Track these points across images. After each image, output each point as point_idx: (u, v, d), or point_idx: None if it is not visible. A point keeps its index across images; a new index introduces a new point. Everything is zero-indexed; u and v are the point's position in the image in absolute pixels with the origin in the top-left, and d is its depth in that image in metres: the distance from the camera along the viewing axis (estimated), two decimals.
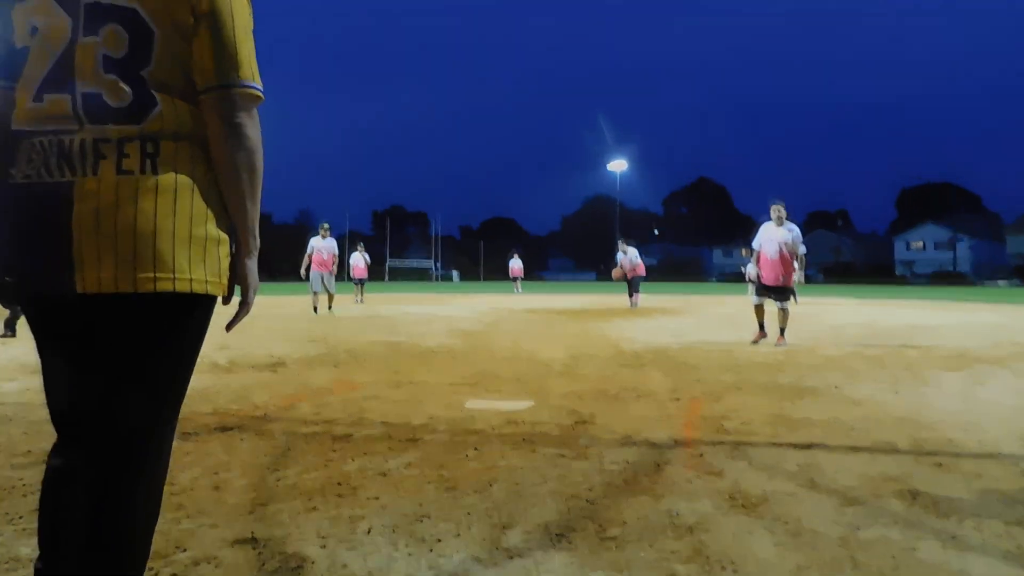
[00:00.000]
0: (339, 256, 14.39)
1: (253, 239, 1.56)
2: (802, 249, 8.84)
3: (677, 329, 10.52)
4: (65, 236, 1.33)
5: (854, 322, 13.13)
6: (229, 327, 1.59)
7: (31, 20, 1.41)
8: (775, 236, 8.77)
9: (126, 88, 1.39)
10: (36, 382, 2.67)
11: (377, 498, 2.71)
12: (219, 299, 1.54)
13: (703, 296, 26.74)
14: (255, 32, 1.56)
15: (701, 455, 3.42)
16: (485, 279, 73.13)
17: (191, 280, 1.41)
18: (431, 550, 2.21)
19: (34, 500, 1.94)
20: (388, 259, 68.26)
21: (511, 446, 3.57)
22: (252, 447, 3.51)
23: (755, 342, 8.75)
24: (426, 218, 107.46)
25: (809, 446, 3.61)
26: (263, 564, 2.10)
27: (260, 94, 1.51)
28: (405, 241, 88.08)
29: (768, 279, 8.83)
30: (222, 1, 1.46)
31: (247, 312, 1.62)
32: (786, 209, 8.88)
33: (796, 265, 8.91)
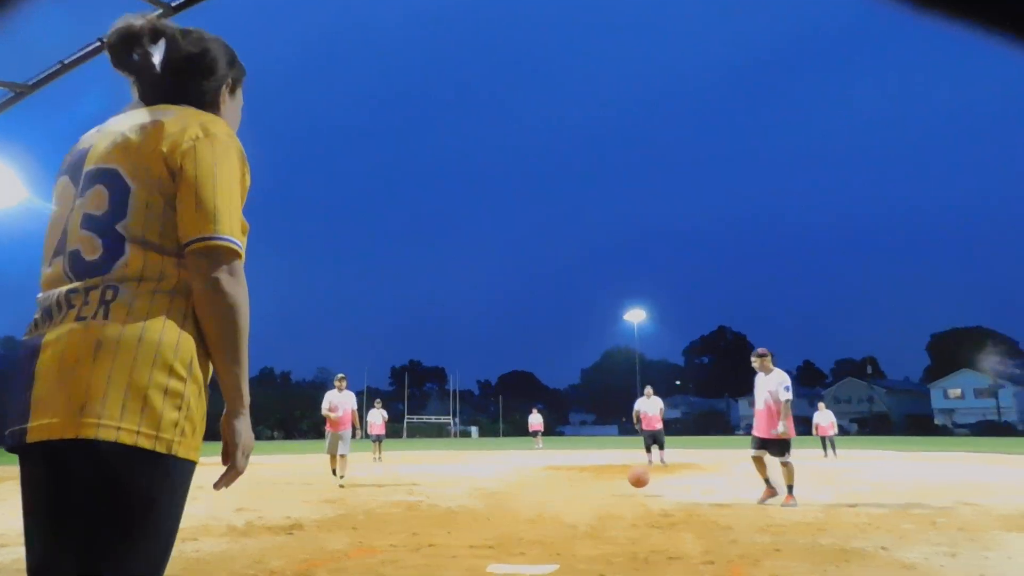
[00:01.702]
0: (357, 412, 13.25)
1: (239, 398, 1.52)
2: (784, 396, 8.44)
3: (707, 486, 10.21)
4: (29, 386, 1.35)
5: (897, 477, 12.71)
6: (216, 485, 1.55)
7: (55, 210, 1.55)
8: (763, 385, 8.65)
9: (99, 241, 1.44)
10: None
11: None
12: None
13: (730, 450, 26.09)
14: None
15: None
16: (504, 435, 72.17)
17: (119, 429, 1.30)
18: None
19: None
20: (406, 415, 67.90)
21: None
22: None
23: (762, 501, 8.39)
24: (444, 373, 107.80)
25: None
26: None
27: (237, 249, 1.49)
28: (423, 397, 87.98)
29: (759, 431, 8.66)
30: (201, 157, 1.50)
31: (236, 473, 1.55)
32: (771, 357, 8.77)
33: (780, 414, 8.50)
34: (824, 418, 21.67)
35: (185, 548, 5.36)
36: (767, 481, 8.52)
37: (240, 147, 1.60)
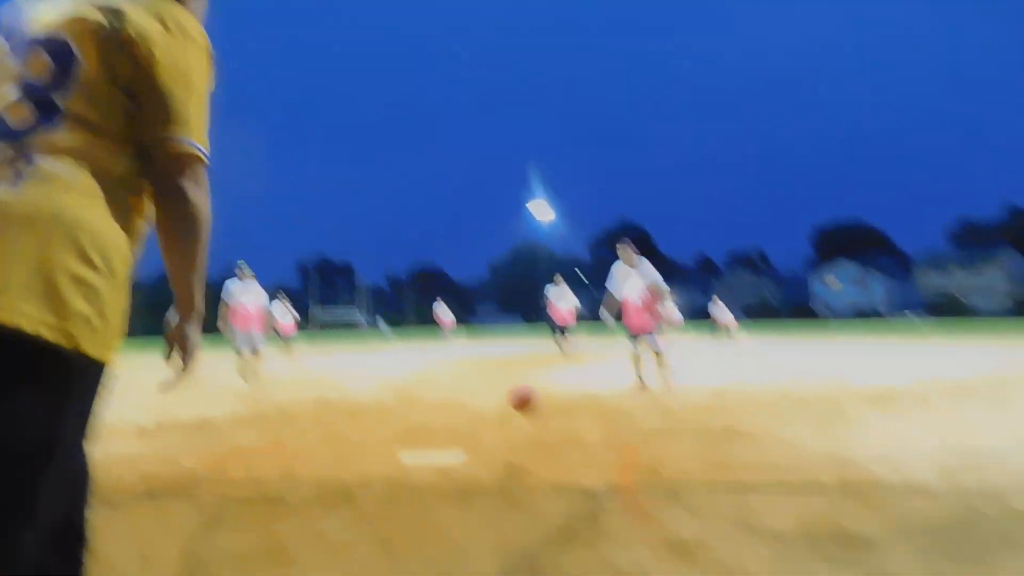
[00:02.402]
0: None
1: (191, 305, 1.52)
2: (661, 283, 8.48)
3: (607, 375, 10.63)
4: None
5: (778, 361, 13.54)
6: (163, 388, 1.54)
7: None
8: (634, 278, 8.57)
9: (31, 109, 1.31)
10: None
11: (313, 560, 2.65)
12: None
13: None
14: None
15: (636, 501, 3.47)
16: (414, 329, 72.63)
17: (21, 313, 1.14)
18: None
19: None
20: (315, 312, 67.18)
21: (446, 500, 3.55)
22: (181, 513, 3.39)
23: (639, 388, 8.54)
24: (352, 268, 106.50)
25: (742, 488, 3.69)
26: None
27: (203, 157, 1.42)
28: (332, 292, 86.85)
29: (636, 326, 8.66)
30: (174, 54, 1.39)
31: (185, 376, 1.56)
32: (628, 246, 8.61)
33: (662, 304, 8.56)
34: (717, 309, 22.75)
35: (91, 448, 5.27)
36: (640, 377, 8.69)
37: (211, 48, 1.50)
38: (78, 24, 1.36)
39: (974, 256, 78.47)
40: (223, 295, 10.33)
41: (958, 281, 76.81)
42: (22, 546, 1.15)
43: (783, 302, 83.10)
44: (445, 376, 11.82)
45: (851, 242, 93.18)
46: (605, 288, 8.83)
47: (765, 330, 35.62)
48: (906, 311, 65.67)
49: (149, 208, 1.44)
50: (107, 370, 1.33)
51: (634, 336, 8.69)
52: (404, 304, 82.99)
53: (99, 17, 1.36)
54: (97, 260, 1.26)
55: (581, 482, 3.89)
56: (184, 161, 1.39)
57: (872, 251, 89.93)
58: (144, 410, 7.55)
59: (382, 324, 75.59)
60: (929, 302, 73.82)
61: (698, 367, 12.66)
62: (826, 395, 7.79)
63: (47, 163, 1.26)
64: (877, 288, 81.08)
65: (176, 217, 1.39)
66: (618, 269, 8.82)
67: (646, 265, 8.58)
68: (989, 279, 74.94)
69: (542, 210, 64.65)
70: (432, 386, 10.00)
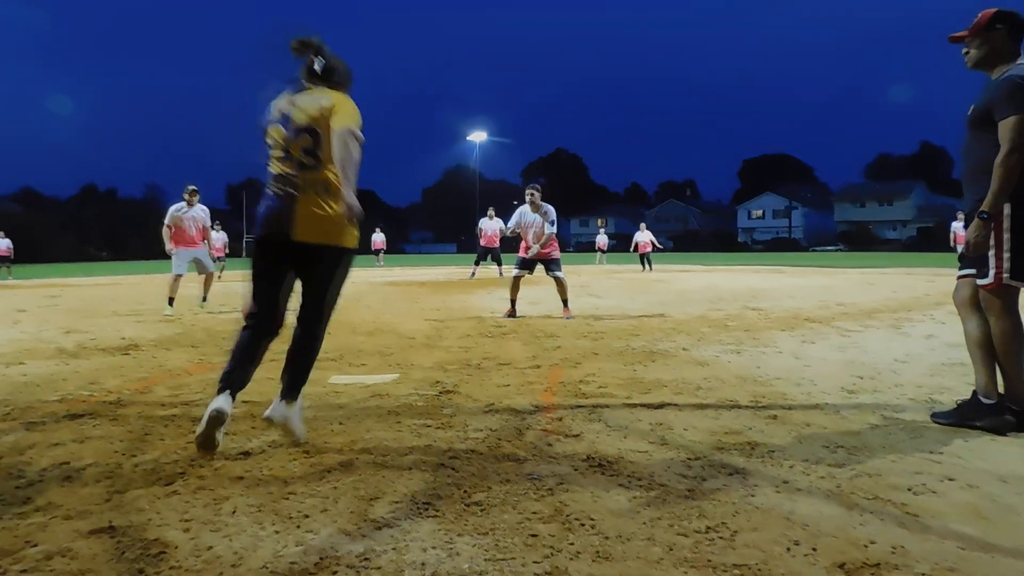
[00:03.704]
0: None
1: (350, 195, 2.97)
2: (549, 230, 8.57)
3: (535, 299, 10.75)
4: (292, 216, 3.06)
5: (700, 288, 13.91)
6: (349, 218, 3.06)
7: (273, 135, 3.19)
8: (532, 220, 8.74)
9: (310, 158, 3.10)
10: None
11: (240, 478, 2.65)
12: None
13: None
14: None
15: (560, 419, 3.57)
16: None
17: (344, 240, 3.18)
18: (298, 526, 2.20)
19: None
20: (246, 235, 65.41)
21: (376, 419, 3.58)
22: (105, 434, 3.33)
23: (507, 316, 8.64)
24: None
25: (660, 406, 3.83)
26: (122, 553, 2.03)
27: (357, 131, 3.06)
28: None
29: (526, 258, 8.81)
30: (346, 114, 3.08)
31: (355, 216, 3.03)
32: (540, 193, 8.78)
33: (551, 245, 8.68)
34: (643, 237, 23.05)
35: (10, 372, 5.10)
36: (513, 302, 8.74)
37: (356, 106, 3.18)
38: (319, 119, 3.09)
39: (888, 189, 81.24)
40: (166, 218, 9.77)
41: (872, 213, 79.64)
42: (323, 327, 3.35)
43: (710, 232, 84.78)
44: (376, 299, 11.77)
45: (777, 174, 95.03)
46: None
47: (690, 259, 36.40)
48: (823, 244, 67.94)
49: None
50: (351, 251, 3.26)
51: (525, 262, 8.81)
52: None
53: (319, 110, 3.09)
54: (338, 209, 3.07)
55: (508, 401, 3.97)
56: (349, 131, 3.04)
57: (796, 183, 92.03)
58: (66, 332, 7.32)
59: None
60: (844, 232, 76.53)
61: (621, 293, 12.91)
62: (742, 318, 8.07)
63: (322, 180, 3.10)
64: (798, 219, 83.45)
65: (346, 156, 3.01)
66: (522, 211, 8.85)
67: (550, 213, 8.64)
68: (899, 211, 77.90)
69: (478, 137, 63.80)
70: (363, 309, 9.94)
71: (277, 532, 2.16)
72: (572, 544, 2.07)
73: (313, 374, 4.85)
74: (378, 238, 31.05)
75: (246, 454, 2.98)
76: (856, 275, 18.50)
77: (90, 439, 3.24)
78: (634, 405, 3.88)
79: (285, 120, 3.13)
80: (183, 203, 9.82)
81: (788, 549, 2.03)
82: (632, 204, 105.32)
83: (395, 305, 10.66)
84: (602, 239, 29.84)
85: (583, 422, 3.50)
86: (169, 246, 9.72)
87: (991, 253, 3.33)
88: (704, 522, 2.23)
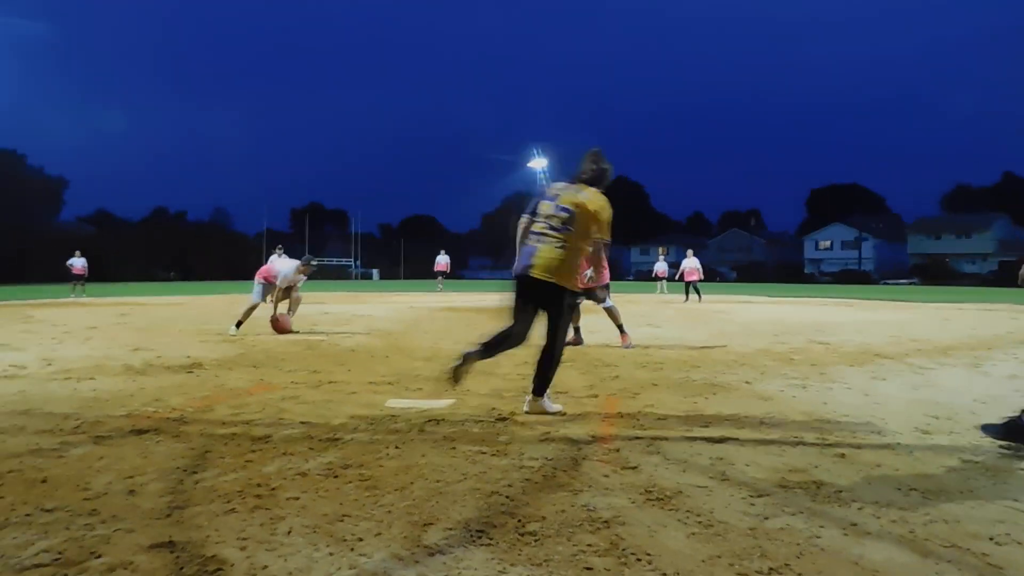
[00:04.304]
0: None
1: (598, 267, 4.98)
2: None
3: (594, 327, 10.69)
4: (530, 258, 4.39)
5: (764, 320, 13.63)
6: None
7: (546, 208, 4.48)
8: None
9: (562, 226, 4.37)
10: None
11: (297, 499, 2.70)
12: None
13: (619, 294, 27.21)
14: None
15: (618, 450, 3.53)
16: (405, 278, 72.65)
17: (564, 282, 4.35)
18: (352, 549, 2.22)
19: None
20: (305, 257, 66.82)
21: (431, 444, 3.60)
22: (168, 450, 3.43)
23: (572, 343, 8.28)
24: (345, 216, 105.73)
25: (721, 440, 3.76)
26: (181, 568, 2.08)
27: (607, 241, 4.49)
28: (324, 240, 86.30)
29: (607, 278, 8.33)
30: (601, 208, 4.41)
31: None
32: None
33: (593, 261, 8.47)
34: (690, 264, 22.64)
35: (81, 387, 5.30)
36: (576, 330, 8.58)
37: (608, 203, 4.48)
38: (576, 204, 4.38)
39: (966, 221, 78.58)
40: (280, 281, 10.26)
41: (948, 245, 77.09)
42: (556, 345, 4.50)
43: (775, 262, 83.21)
44: (434, 325, 11.87)
45: (846, 204, 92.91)
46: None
47: (754, 289, 35.75)
48: (899, 281, 65.98)
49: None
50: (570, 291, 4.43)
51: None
52: (395, 252, 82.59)
53: (580, 198, 4.39)
54: (576, 269, 4.46)
55: (564, 431, 3.95)
56: (604, 244, 4.48)
57: (866, 214, 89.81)
58: (134, 351, 7.58)
59: (373, 272, 75.67)
60: (918, 265, 74.17)
61: (681, 323, 12.75)
62: (808, 352, 7.87)
63: (567, 242, 4.37)
64: (868, 251, 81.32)
65: (596, 259, 4.62)
66: None
67: None
68: (979, 243, 75.21)
69: (537, 164, 64.22)
70: (421, 334, 10.04)
71: (331, 554, 2.19)
72: None
73: (369, 397, 4.95)
74: (442, 260, 31.17)
75: (303, 475, 3.03)
76: (931, 310, 17.88)
77: (153, 455, 3.34)
78: (694, 438, 3.81)
79: (553, 199, 4.49)
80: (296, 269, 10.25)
81: None
82: (694, 234, 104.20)
83: (453, 331, 10.73)
84: (661, 266, 29.50)
85: (640, 454, 3.45)
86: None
87: None
88: (767, 563, 2.17)
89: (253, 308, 10.21)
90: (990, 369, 6.67)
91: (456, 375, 4.31)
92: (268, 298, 10.38)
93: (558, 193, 4.51)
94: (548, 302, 4.37)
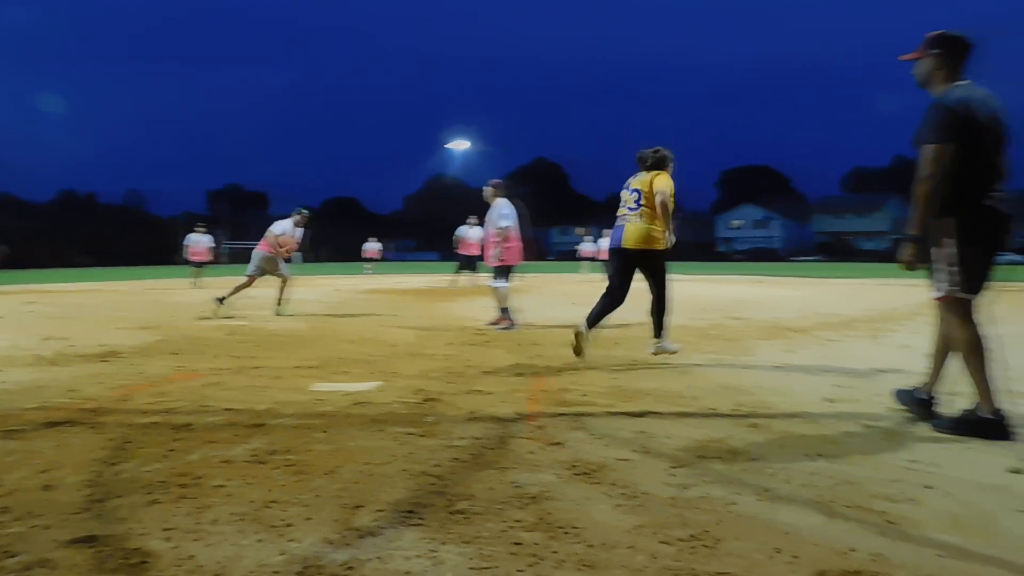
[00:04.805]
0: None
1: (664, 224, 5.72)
2: (503, 224, 8.28)
3: (519, 307, 10.75)
4: (621, 234, 5.77)
5: (681, 297, 13.90)
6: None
7: (623, 194, 5.88)
8: (489, 214, 8.57)
9: (636, 205, 5.73)
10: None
11: (222, 487, 2.62)
12: None
13: (543, 275, 27.44)
14: None
15: (543, 427, 3.56)
16: (329, 260, 71.29)
17: (658, 246, 5.75)
18: (281, 535, 2.18)
19: None
20: (226, 241, 64.90)
21: (359, 427, 3.56)
22: (85, 442, 3.28)
23: (506, 327, 8.20)
24: (266, 198, 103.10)
25: (642, 414, 3.84)
26: (103, 563, 2.00)
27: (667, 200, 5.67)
28: (243, 222, 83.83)
29: (518, 258, 8.58)
30: (663, 183, 5.69)
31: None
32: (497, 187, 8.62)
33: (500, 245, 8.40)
34: (605, 243, 23.00)
35: None
36: (505, 311, 8.38)
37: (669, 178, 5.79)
38: (644, 185, 5.69)
39: (864, 201, 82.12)
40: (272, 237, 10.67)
41: (849, 224, 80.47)
42: (661, 297, 5.93)
43: (690, 242, 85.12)
44: (360, 307, 11.72)
45: (755, 185, 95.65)
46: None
47: (671, 268, 36.52)
48: (801, 254, 68.50)
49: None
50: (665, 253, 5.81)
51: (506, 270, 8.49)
52: (317, 234, 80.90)
53: (648, 180, 5.77)
54: (661, 231, 5.70)
55: (491, 410, 3.96)
56: (663, 201, 5.67)
57: (773, 194, 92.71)
58: (44, 340, 7.22)
59: (295, 255, 73.91)
60: (822, 243, 77.20)
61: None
62: (723, 328, 8.11)
63: (641, 218, 5.70)
64: (776, 230, 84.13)
65: (663, 214, 5.64)
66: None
67: (498, 207, 8.44)
68: (876, 222, 78.76)
69: (460, 146, 63.96)
70: (347, 317, 9.90)
71: (260, 541, 2.14)
72: (556, 552, 2.06)
73: (295, 381, 4.86)
74: (372, 247, 30.31)
75: (228, 462, 2.95)
76: (834, 286, 18.67)
77: (69, 447, 3.19)
78: (616, 413, 3.88)
79: (627, 187, 5.84)
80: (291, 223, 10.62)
81: (770, 557, 2.04)
82: (613, 213, 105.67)
83: (379, 313, 10.61)
84: (586, 247, 29.79)
85: (566, 430, 3.50)
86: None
87: (941, 267, 3.45)
88: (687, 530, 2.23)
89: (247, 284, 10.38)
90: (886, 340, 7.02)
91: (577, 350, 5.56)
92: (266, 273, 10.50)
93: (630, 182, 5.82)
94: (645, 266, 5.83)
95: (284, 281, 10.58)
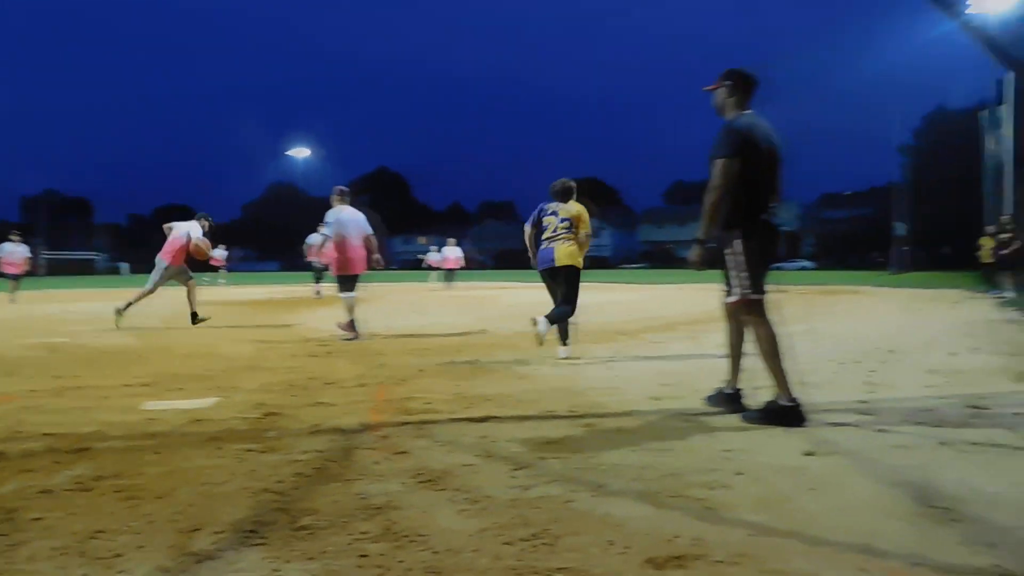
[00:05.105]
0: None
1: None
2: (325, 231, 8.25)
3: (361, 317, 10.57)
4: (551, 254, 6.29)
5: (520, 304, 14.27)
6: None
7: (548, 219, 6.42)
8: (359, 220, 8.31)
9: (567, 231, 6.34)
10: None
11: (40, 519, 2.39)
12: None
13: (384, 284, 27.09)
14: None
15: (387, 437, 3.52)
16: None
17: (580, 263, 6.36)
18: (109, 567, 2.01)
19: None
20: (44, 251, 59.12)
21: (195, 446, 3.36)
22: None
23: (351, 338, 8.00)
24: (89, 205, 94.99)
25: (484, 419, 3.89)
26: None
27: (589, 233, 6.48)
28: (64, 230, 76.59)
29: (359, 267, 8.32)
30: (582, 217, 6.42)
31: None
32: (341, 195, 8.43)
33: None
34: (452, 252, 23.24)
35: None
36: (352, 324, 8.13)
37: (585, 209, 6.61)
38: (573, 215, 6.35)
39: (683, 212, 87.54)
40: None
41: (670, 233, 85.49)
42: (573, 304, 6.28)
43: (527, 250, 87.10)
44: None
45: (587, 196, 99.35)
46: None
47: (511, 276, 37.23)
48: (628, 261, 71.99)
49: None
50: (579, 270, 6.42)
51: (352, 279, 8.41)
52: (147, 244, 75.45)
53: (577, 212, 6.40)
54: (581, 255, 6.39)
55: (334, 421, 3.87)
56: (588, 233, 6.45)
57: (604, 205, 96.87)
58: None
59: (123, 265, 68.85)
60: (647, 251, 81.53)
61: (447, 310, 13.00)
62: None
63: (567, 240, 6.29)
64: (606, 239, 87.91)
65: (584, 241, 6.42)
66: (344, 211, 8.40)
67: (329, 215, 8.28)
68: (694, 231, 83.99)
69: (300, 153, 62.03)
70: (181, 331, 9.30)
71: (85, 575, 1.97)
72: (402, 562, 2.05)
73: (124, 401, 4.51)
74: (219, 253, 28.21)
75: (47, 492, 2.68)
76: (658, 291, 19.78)
77: None
78: (459, 420, 3.90)
79: (554, 213, 6.38)
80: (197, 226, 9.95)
81: (604, 549, 2.13)
82: (454, 223, 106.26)
83: (216, 326, 10.04)
84: (433, 256, 29.71)
85: (410, 439, 3.48)
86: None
87: (732, 275, 3.86)
88: (528, 530, 2.28)
89: (147, 294, 9.61)
90: (704, 340, 7.53)
91: (539, 340, 6.12)
92: (167, 282, 9.83)
93: (555, 210, 6.39)
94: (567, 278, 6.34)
95: (191, 287, 10.10)
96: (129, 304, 9.38)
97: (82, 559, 2.07)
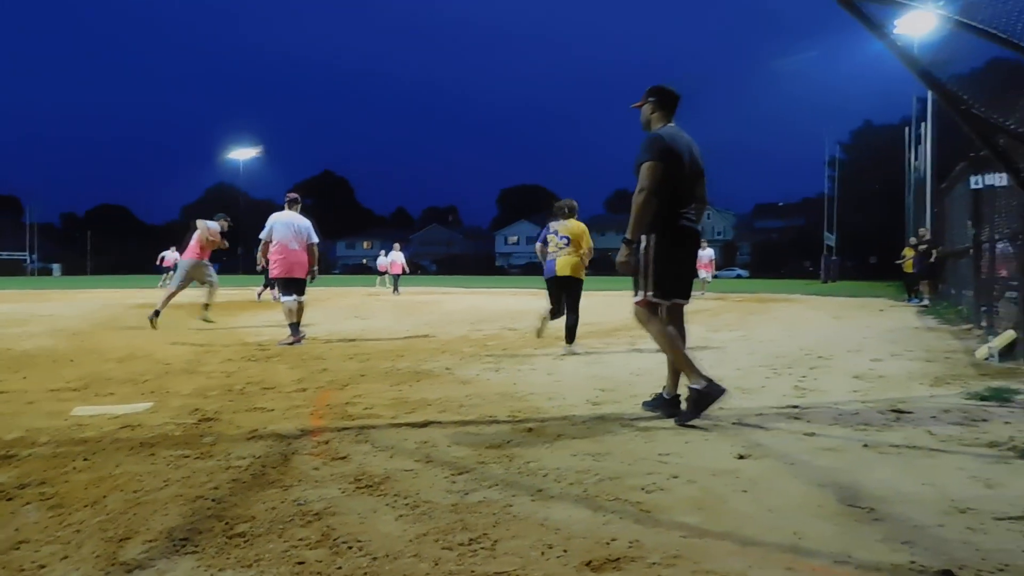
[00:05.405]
0: None
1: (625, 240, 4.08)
2: (261, 235, 8.10)
3: (304, 321, 10.39)
4: (564, 266, 7.14)
5: (462, 309, 14.26)
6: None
7: (551, 237, 7.32)
8: (298, 226, 8.12)
9: (567, 246, 7.16)
10: None
11: None
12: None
13: (327, 288, 26.69)
14: None
15: (327, 442, 3.46)
16: (93, 273, 64.44)
17: (582, 275, 7.18)
18: None
19: None
20: None
21: (127, 452, 3.25)
22: None
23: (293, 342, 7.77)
24: (19, 203, 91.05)
25: (425, 424, 3.85)
26: None
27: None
28: None
29: (297, 272, 8.06)
30: (581, 234, 7.20)
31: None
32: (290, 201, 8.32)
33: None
34: (398, 258, 23.15)
35: None
36: (295, 326, 7.91)
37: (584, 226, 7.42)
38: (571, 232, 7.11)
39: (624, 220, 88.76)
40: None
41: (611, 241, 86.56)
42: (576, 312, 7.17)
43: (471, 256, 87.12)
44: (129, 323, 10.67)
45: (531, 203, 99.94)
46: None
47: (454, 281, 37.11)
48: None
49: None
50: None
51: (294, 283, 8.11)
52: (81, 244, 72.79)
53: (575, 229, 7.15)
54: (581, 265, 7.15)
55: (273, 427, 3.78)
56: (591, 248, 7.37)
57: (547, 212, 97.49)
58: None
59: (54, 266, 66.30)
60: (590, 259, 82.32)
61: (389, 315, 12.87)
62: (501, 338, 8.38)
63: (567, 254, 7.08)
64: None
65: (587, 255, 7.33)
66: (284, 215, 8.19)
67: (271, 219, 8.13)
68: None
69: (243, 155, 60.73)
70: (114, 334, 8.98)
71: None
72: (340, 568, 2.01)
73: (51, 406, 4.33)
74: (170, 255, 26.93)
75: None
76: (600, 297, 19.95)
77: None
78: (400, 425, 3.86)
79: (555, 232, 7.20)
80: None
81: (543, 553, 2.13)
82: (398, 228, 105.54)
83: (150, 329, 9.72)
84: (383, 260, 29.35)
85: (350, 444, 3.42)
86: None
87: (639, 276, 4.05)
88: (467, 534, 2.26)
89: (174, 294, 9.83)
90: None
91: (540, 333, 7.64)
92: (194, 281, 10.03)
93: (556, 229, 7.18)
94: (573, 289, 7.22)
95: (212, 288, 10.23)
96: (158, 311, 9.54)
97: (3, 572, 1.97)
